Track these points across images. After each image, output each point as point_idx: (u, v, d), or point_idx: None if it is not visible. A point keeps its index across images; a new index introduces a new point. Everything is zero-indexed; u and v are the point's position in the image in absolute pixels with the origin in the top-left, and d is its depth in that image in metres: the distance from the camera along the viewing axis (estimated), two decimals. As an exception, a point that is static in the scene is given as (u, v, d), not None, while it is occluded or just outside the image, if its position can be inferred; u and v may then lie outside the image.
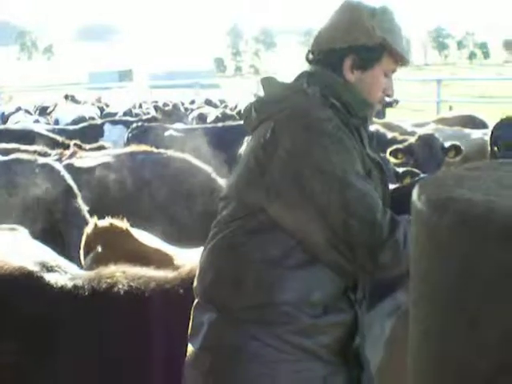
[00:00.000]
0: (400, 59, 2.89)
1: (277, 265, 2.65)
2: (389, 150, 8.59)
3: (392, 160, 8.48)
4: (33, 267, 3.60)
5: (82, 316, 3.45)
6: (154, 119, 13.95)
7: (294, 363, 2.69)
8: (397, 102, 15.91)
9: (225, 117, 14.30)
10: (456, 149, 8.59)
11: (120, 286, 3.45)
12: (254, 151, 2.73)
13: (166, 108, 15.33)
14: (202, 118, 15.50)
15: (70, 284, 3.51)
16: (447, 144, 8.64)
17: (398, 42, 2.86)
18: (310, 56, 2.95)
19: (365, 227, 2.57)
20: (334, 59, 2.87)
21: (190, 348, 2.83)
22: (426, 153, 8.53)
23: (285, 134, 2.66)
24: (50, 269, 3.65)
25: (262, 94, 2.98)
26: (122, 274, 3.54)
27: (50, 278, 3.56)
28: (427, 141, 8.67)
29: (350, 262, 2.61)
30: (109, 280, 3.49)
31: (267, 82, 2.95)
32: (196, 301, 2.87)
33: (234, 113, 15.33)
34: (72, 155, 8.10)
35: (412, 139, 8.74)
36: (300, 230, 2.65)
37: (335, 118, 2.71)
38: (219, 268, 2.78)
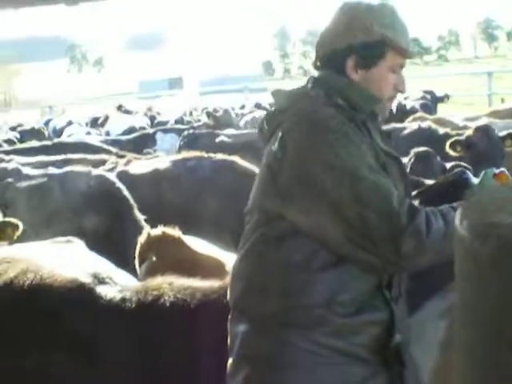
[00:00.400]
0: (405, 53, 2.86)
1: (301, 269, 2.67)
2: (448, 142, 8.53)
3: (451, 153, 8.42)
4: (85, 279, 3.64)
5: (129, 329, 3.48)
6: (204, 126, 14.00)
7: (332, 367, 2.68)
8: (448, 97, 15.79)
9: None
10: None
11: (166, 298, 3.46)
12: (267, 161, 2.77)
13: (217, 114, 15.34)
14: (255, 122, 15.50)
15: (118, 296, 3.54)
16: (502, 133, 8.55)
17: (400, 36, 2.82)
18: (317, 63, 2.96)
19: (382, 217, 2.54)
20: (336, 61, 2.86)
21: (230, 360, 2.85)
22: (486, 144, 8.43)
23: (291, 138, 2.69)
24: (101, 280, 3.68)
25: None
26: (168, 285, 3.55)
27: (100, 290, 3.59)
28: (486, 132, 8.57)
29: (372, 254, 2.58)
30: (155, 292, 3.51)
31: (277, 94, 2.98)
32: (230, 312, 2.90)
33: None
34: (127, 164, 8.16)
35: (469, 131, 8.65)
36: (317, 229, 2.65)
37: (339, 115, 2.70)
38: (246, 278, 2.82)
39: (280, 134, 2.72)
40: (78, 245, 4.57)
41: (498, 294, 1.02)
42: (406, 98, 15.27)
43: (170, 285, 3.54)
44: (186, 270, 3.78)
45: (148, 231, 4.73)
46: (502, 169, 2.90)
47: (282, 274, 2.70)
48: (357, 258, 2.63)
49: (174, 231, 4.71)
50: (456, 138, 8.64)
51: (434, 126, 9.89)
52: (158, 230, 4.71)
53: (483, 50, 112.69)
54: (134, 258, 4.76)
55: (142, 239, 4.71)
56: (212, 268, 4.17)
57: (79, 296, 3.55)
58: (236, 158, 7.66)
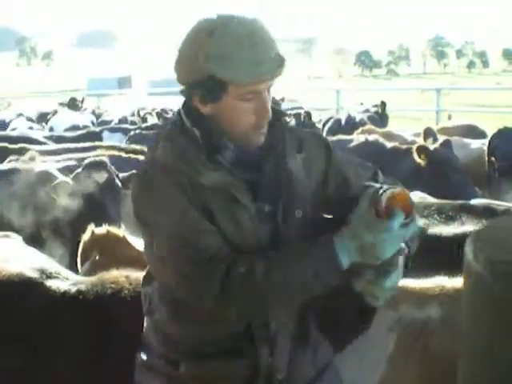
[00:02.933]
0: (246, 85, 2.52)
1: (165, 318, 2.73)
2: (416, 146, 8.61)
3: (416, 157, 8.49)
4: (32, 273, 3.55)
5: (86, 321, 3.39)
6: (151, 127, 13.91)
7: None
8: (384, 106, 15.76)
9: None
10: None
11: (126, 292, 3.40)
12: None
13: (168, 115, 15.26)
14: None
15: (72, 289, 3.46)
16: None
17: (235, 66, 2.47)
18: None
19: (171, 272, 2.53)
20: (185, 95, 2.67)
21: None
22: (450, 160, 8.57)
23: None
24: (49, 275, 3.61)
25: None
26: (125, 278, 3.48)
27: (50, 283, 3.51)
28: (450, 148, 8.72)
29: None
30: (113, 285, 3.44)
31: None
32: None
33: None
34: (31, 159, 8.11)
35: (436, 145, 8.76)
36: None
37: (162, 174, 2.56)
38: None
39: None
40: (15, 240, 4.49)
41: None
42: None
43: (127, 278, 3.46)
44: (130, 269, 3.71)
45: (92, 229, 4.66)
46: (399, 188, 2.46)
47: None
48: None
49: (119, 230, 4.66)
50: (424, 145, 8.75)
51: (381, 139, 9.90)
52: (103, 229, 4.66)
53: (432, 67, 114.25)
54: (77, 255, 4.69)
55: (85, 237, 4.65)
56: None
57: (27, 290, 3.44)
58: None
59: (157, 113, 15.98)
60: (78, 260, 4.65)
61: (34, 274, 3.56)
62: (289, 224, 2.62)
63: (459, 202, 5.70)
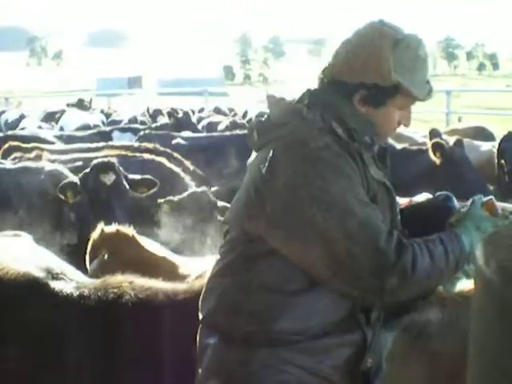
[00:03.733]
0: (415, 99, 2.80)
1: (275, 292, 2.65)
2: (433, 142, 8.61)
3: (431, 154, 8.49)
4: (38, 273, 3.55)
5: (87, 326, 3.40)
6: (161, 127, 13.92)
7: None
8: None
9: (234, 126, 14.25)
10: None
11: (127, 297, 3.39)
12: (255, 181, 2.71)
13: (178, 115, 15.26)
14: (211, 127, 15.45)
15: (75, 293, 3.46)
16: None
17: (416, 82, 2.74)
18: (322, 76, 2.85)
19: (368, 255, 2.55)
20: (344, 89, 2.77)
21: (199, 370, 2.83)
22: (463, 160, 8.58)
23: (283, 166, 2.64)
24: (55, 276, 3.60)
25: (267, 111, 2.92)
26: (128, 284, 3.48)
27: (55, 285, 3.51)
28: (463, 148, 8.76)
29: (355, 288, 2.60)
30: (115, 290, 3.44)
31: (272, 101, 2.88)
32: (200, 323, 2.87)
33: (245, 121, 15.29)
34: (36, 158, 8.15)
35: (451, 144, 8.76)
36: (303, 259, 2.63)
37: (333, 144, 2.64)
38: (220, 295, 2.78)
39: (271, 155, 2.66)
40: (25, 239, 4.49)
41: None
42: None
43: (131, 284, 3.47)
44: (138, 269, 3.74)
45: (102, 228, 4.67)
46: (490, 197, 2.89)
47: (253, 297, 2.69)
48: (339, 290, 2.65)
49: (128, 229, 4.67)
50: (441, 142, 8.73)
51: (391, 140, 9.87)
52: (112, 228, 4.67)
53: (443, 69, 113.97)
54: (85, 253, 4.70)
55: (95, 235, 4.66)
56: (165, 269, 4.11)
57: (32, 290, 3.45)
58: (164, 160, 7.68)
59: (168, 112, 15.97)
60: (87, 258, 4.66)
61: (40, 274, 3.55)
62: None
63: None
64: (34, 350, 3.35)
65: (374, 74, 2.70)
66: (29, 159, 8.11)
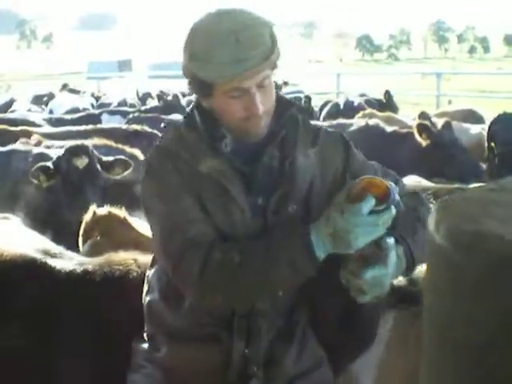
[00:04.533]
0: (224, 86, 2.52)
1: (157, 299, 2.89)
2: (418, 123, 8.63)
3: (417, 136, 8.49)
4: (35, 254, 3.52)
5: (92, 302, 3.36)
6: (150, 110, 13.91)
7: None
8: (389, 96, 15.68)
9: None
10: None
11: (134, 274, 3.37)
12: None
13: (168, 98, 15.21)
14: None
15: (78, 269, 3.44)
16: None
17: (211, 66, 2.48)
18: None
19: (160, 256, 2.70)
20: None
21: None
22: (451, 141, 8.58)
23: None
24: (53, 255, 3.57)
25: None
26: (133, 261, 3.46)
27: (55, 264, 3.47)
28: (451, 129, 8.74)
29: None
30: (121, 267, 3.42)
31: None
32: None
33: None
34: (37, 145, 8.13)
35: (438, 126, 8.76)
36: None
37: (158, 156, 2.67)
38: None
39: None
40: (15, 221, 4.47)
41: (487, 314, 0.89)
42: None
43: (135, 261, 3.44)
44: (130, 250, 3.71)
45: (94, 210, 4.68)
46: (354, 184, 2.41)
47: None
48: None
49: (120, 211, 4.67)
50: (424, 123, 8.74)
51: (382, 123, 9.87)
52: (104, 210, 4.68)
53: (433, 51, 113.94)
54: (77, 235, 4.70)
55: (87, 217, 4.67)
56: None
57: (31, 270, 3.42)
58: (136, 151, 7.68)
59: (157, 95, 15.87)
60: (80, 240, 4.67)
61: (38, 255, 3.53)
62: (280, 218, 2.61)
63: (455, 185, 5.70)
64: (38, 330, 3.32)
65: (182, 66, 2.61)
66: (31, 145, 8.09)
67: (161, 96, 15.69)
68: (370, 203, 2.29)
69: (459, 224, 0.92)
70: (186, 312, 2.72)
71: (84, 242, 4.62)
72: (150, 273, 2.94)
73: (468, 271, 0.87)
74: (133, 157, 7.38)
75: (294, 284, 2.54)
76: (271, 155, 2.64)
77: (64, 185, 6.36)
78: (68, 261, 3.54)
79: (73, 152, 6.45)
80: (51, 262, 3.48)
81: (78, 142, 6.92)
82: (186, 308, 2.71)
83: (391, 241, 2.42)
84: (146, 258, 3.45)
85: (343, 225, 2.30)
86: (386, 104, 14.41)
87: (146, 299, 2.92)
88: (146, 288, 2.95)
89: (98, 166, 6.49)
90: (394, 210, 2.34)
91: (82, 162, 6.39)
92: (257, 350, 2.71)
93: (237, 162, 2.60)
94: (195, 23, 2.58)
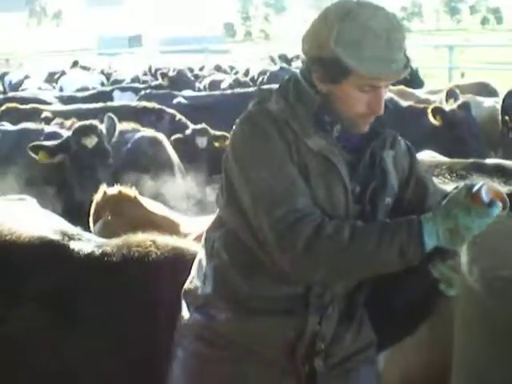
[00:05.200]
0: (366, 79, 2.61)
1: (227, 264, 2.78)
2: (432, 107, 8.53)
3: (431, 118, 8.40)
4: (53, 235, 3.51)
5: (111, 284, 3.37)
6: (161, 86, 13.85)
7: (230, 364, 2.79)
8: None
9: (238, 84, 14.18)
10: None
11: (153, 256, 3.36)
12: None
13: (171, 74, 15.08)
14: (214, 85, 15.32)
15: (97, 251, 3.42)
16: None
17: (364, 57, 2.54)
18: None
19: (266, 227, 2.56)
20: (306, 69, 2.74)
21: None
22: (466, 123, 8.47)
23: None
24: (71, 237, 3.56)
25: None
26: (152, 242, 3.44)
27: (74, 245, 3.47)
28: (468, 111, 8.60)
29: (270, 259, 2.62)
30: (139, 249, 3.40)
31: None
32: None
33: (248, 79, 15.20)
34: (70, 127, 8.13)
35: (453, 106, 8.65)
36: (236, 227, 2.74)
37: (257, 115, 2.67)
38: (197, 268, 2.97)
39: None
40: (31, 203, 4.47)
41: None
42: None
43: (154, 243, 3.41)
44: (141, 229, 3.71)
45: (104, 189, 4.68)
46: (479, 186, 2.46)
47: (206, 265, 2.85)
48: (265, 261, 2.67)
49: (131, 191, 4.68)
50: (440, 106, 8.66)
51: (396, 97, 9.81)
52: (115, 189, 4.69)
53: (446, 23, 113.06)
54: (88, 215, 4.71)
55: (97, 197, 4.67)
56: (166, 228, 4.12)
57: (50, 252, 3.41)
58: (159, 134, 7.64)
59: (161, 73, 15.60)
60: (91, 220, 4.67)
61: (56, 236, 3.52)
62: (375, 209, 2.71)
63: (470, 160, 5.68)
64: (57, 312, 3.33)
65: (317, 45, 2.64)
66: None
67: (164, 74, 15.35)
68: (498, 209, 2.36)
69: (492, 268, 0.90)
70: (260, 282, 2.71)
71: (95, 222, 4.64)
72: (210, 235, 2.86)
73: (501, 317, 0.85)
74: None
75: (393, 270, 2.56)
76: (372, 149, 2.73)
77: (73, 165, 6.35)
78: (86, 243, 3.53)
79: (82, 131, 6.44)
80: (69, 243, 3.47)
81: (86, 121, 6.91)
82: (260, 278, 2.71)
83: None
84: (164, 239, 3.45)
85: (467, 223, 2.35)
86: (411, 79, 14.34)
87: (207, 262, 2.85)
88: (204, 251, 2.88)
89: (108, 146, 6.48)
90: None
91: (90, 142, 6.38)
92: (328, 326, 2.76)
93: (343, 148, 2.67)
94: (342, 5, 2.62)
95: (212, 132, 8.35)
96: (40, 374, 3.32)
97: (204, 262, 2.86)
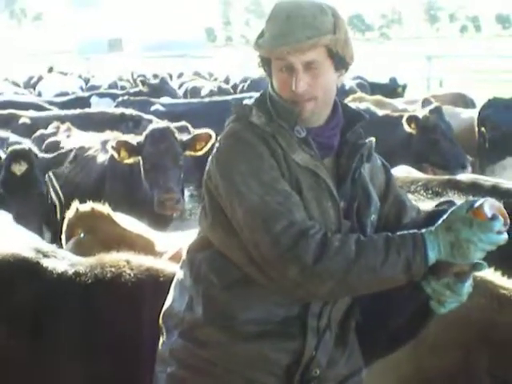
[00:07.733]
0: (269, 53, 2.60)
1: (217, 287, 2.62)
2: (406, 116, 8.52)
3: (406, 127, 8.39)
4: (27, 253, 3.45)
5: (83, 304, 3.28)
6: (139, 93, 13.81)
7: None
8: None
9: (219, 91, 14.18)
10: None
11: (126, 277, 3.27)
12: None
13: (153, 82, 15.05)
14: (195, 91, 15.30)
15: (70, 270, 3.37)
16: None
17: (264, 38, 2.58)
18: None
19: (264, 243, 2.45)
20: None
21: None
22: (440, 127, 8.48)
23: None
24: (46, 254, 3.46)
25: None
26: (126, 263, 3.37)
27: (47, 263, 3.40)
28: (440, 115, 8.60)
29: (266, 277, 2.51)
30: (113, 269, 3.33)
31: None
32: None
33: (229, 86, 15.22)
34: (66, 131, 8.10)
35: (425, 111, 8.65)
36: (223, 247, 2.61)
37: (242, 130, 2.58)
38: (175, 284, 2.83)
39: None
40: (5, 217, 4.41)
41: None
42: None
43: (128, 263, 3.36)
44: (115, 247, 3.65)
45: (76, 206, 4.61)
46: (482, 201, 2.44)
47: (191, 288, 2.69)
48: (260, 281, 2.55)
49: (104, 207, 4.61)
50: (414, 114, 8.66)
51: (372, 107, 9.83)
52: (87, 206, 4.60)
53: (425, 30, 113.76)
54: (61, 233, 4.65)
55: (70, 214, 4.61)
56: (141, 247, 4.07)
57: (23, 269, 3.36)
58: None
59: (141, 80, 15.32)
60: (63, 237, 4.62)
61: (30, 254, 3.45)
62: (364, 227, 2.65)
63: (446, 177, 5.68)
64: (27, 330, 3.26)
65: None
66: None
67: (144, 81, 15.16)
68: (500, 223, 2.37)
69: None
70: (253, 304, 2.60)
71: (67, 239, 4.57)
72: (196, 257, 2.70)
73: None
74: None
75: (395, 285, 2.50)
76: (356, 163, 2.66)
77: (3, 189, 6.16)
78: (60, 261, 3.48)
79: (13, 157, 6.24)
80: (43, 261, 3.41)
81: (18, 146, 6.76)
82: (253, 300, 2.60)
83: (485, 264, 2.48)
84: (139, 259, 3.40)
85: (469, 236, 2.35)
86: (391, 90, 14.46)
87: (193, 285, 2.70)
88: (188, 273, 2.72)
89: (37, 172, 6.30)
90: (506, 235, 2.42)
91: (19, 169, 6.19)
92: (324, 351, 2.67)
93: (325, 162, 2.62)
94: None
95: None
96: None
97: (187, 284, 2.72)
